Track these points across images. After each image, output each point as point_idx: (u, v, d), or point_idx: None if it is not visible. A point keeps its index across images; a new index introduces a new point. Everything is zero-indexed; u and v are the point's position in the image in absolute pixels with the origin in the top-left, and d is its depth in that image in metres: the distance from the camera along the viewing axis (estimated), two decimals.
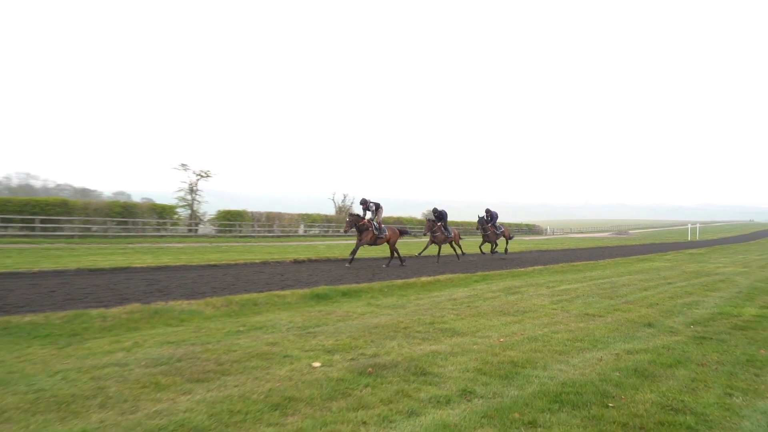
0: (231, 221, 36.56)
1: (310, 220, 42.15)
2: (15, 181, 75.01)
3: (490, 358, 5.08)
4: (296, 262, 16.00)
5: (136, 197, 59.63)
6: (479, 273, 14.14)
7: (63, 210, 27.58)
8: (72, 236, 25.92)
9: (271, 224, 39.29)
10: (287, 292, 9.10)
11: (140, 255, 16.38)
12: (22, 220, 25.51)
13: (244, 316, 7.28)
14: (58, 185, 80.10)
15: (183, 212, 37.89)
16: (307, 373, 4.43)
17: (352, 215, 15.76)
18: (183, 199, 38.65)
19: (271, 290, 9.29)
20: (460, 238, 21.83)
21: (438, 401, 3.85)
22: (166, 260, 14.54)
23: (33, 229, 25.46)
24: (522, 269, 15.92)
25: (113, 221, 29.35)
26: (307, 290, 9.31)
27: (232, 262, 14.63)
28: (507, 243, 24.30)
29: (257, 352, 5.04)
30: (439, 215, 19.34)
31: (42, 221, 25.99)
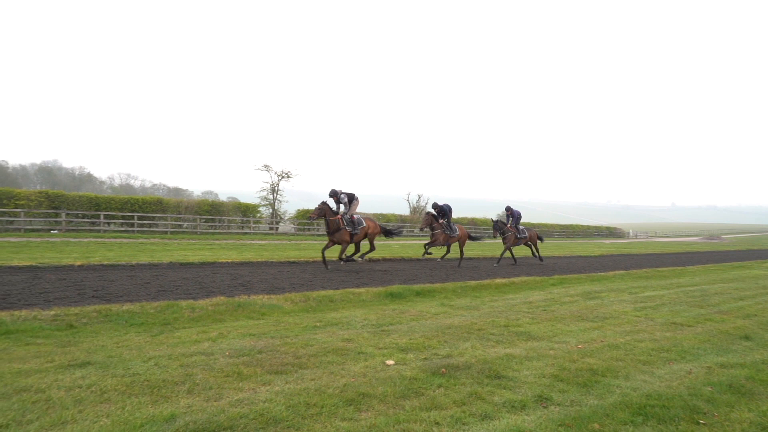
0: (309, 220, 37.65)
1: (384, 220, 42.51)
2: (117, 181, 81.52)
3: (567, 364, 4.90)
4: (371, 260, 16.20)
5: (223, 196, 62.90)
6: (556, 276, 13.68)
7: (158, 208, 29.62)
8: (165, 232, 27.77)
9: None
10: (362, 290, 9.25)
11: (225, 251, 17.25)
12: (123, 217, 27.67)
13: (321, 312, 7.48)
14: (154, 185, 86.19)
15: (265, 211, 39.58)
16: (381, 370, 4.49)
17: (324, 203, 13.51)
18: (265, 198, 40.39)
19: (346, 288, 9.49)
20: (473, 238, 18.68)
21: (512, 406, 3.77)
22: (249, 256, 15.22)
23: (132, 225, 27.53)
24: (602, 273, 15.21)
25: (202, 219, 31.12)
26: (381, 288, 9.42)
27: (310, 260, 15.07)
28: (533, 248, 19.58)
29: (333, 348, 5.16)
30: (441, 210, 16.47)
31: (139, 218, 28.05)
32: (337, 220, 13.40)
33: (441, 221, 16.25)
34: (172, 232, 28.07)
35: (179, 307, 6.90)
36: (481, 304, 8.65)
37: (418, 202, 51.00)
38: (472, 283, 11.14)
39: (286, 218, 40.39)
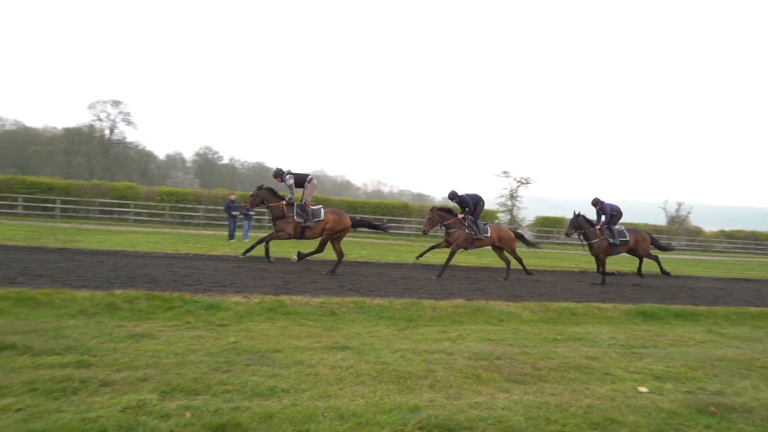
0: (548, 228, 36.28)
1: None
2: (370, 188, 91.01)
3: None
4: (618, 274, 14.81)
5: None
6: None
7: (404, 212, 32.06)
8: (410, 235, 29.91)
9: None
10: (608, 305, 8.51)
11: (465, 255, 17.68)
12: (374, 220, 30.77)
13: (561, 324, 7.12)
14: (401, 191, 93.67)
15: (503, 217, 39.61)
16: (631, 396, 4.04)
17: (261, 189, 10.78)
18: (503, 204, 40.43)
19: (589, 301, 8.84)
20: (527, 241, 13.19)
21: None
22: (487, 261, 15.38)
23: None
24: None
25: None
26: (631, 306, 8.53)
27: (549, 269, 14.50)
28: (640, 260, 13.30)
29: (575, 364, 4.85)
30: (462, 202, 11.75)
31: (388, 221, 30.79)
32: (280, 206, 10.64)
33: (458, 217, 11.63)
34: (416, 235, 30.07)
35: (422, 306, 7.32)
36: (765, 336, 7.14)
37: (677, 210, 44.71)
38: (752, 309, 9.26)
39: (524, 225, 39.72)
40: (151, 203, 25.44)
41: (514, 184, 40.25)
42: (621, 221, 12.94)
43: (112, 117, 53.76)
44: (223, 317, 5.99)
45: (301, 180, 10.87)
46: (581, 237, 12.40)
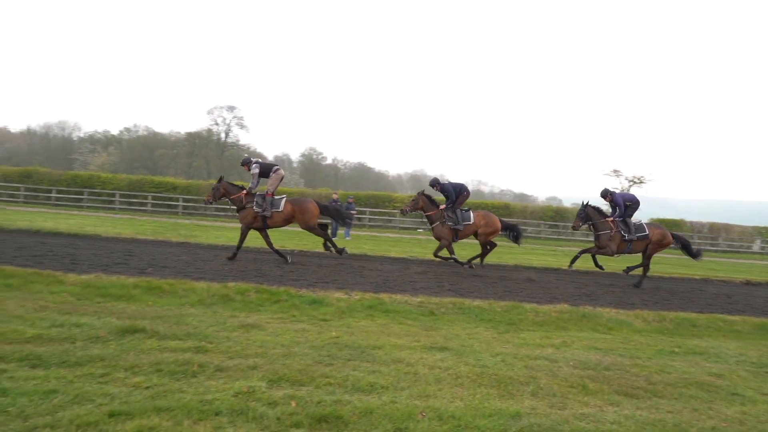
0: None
1: None
2: (470, 187, 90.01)
3: None
4: (749, 283, 13.35)
5: (567, 202, 62.12)
6: None
7: (505, 212, 31.23)
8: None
9: (715, 237, 34.06)
10: (736, 317, 7.71)
11: (569, 258, 16.92)
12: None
13: (680, 336, 6.56)
14: (502, 191, 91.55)
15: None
16: (765, 421, 3.63)
17: (221, 181, 10.50)
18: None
19: (713, 312, 8.07)
20: (514, 232, 12.16)
21: None
22: (592, 264, 14.53)
23: None
24: None
25: (546, 224, 31.41)
26: (764, 319, 7.66)
27: (666, 275, 13.40)
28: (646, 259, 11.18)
29: (696, 381, 4.44)
30: (443, 189, 11.25)
31: None
32: (241, 197, 10.20)
33: (439, 208, 11.22)
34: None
35: (524, 309, 7.09)
36: None
37: None
38: None
39: None
40: None
41: (626, 184, 37.82)
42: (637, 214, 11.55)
43: (227, 121, 58.18)
44: (325, 312, 6.21)
45: (266, 170, 10.51)
46: (591, 229, 11.38)
